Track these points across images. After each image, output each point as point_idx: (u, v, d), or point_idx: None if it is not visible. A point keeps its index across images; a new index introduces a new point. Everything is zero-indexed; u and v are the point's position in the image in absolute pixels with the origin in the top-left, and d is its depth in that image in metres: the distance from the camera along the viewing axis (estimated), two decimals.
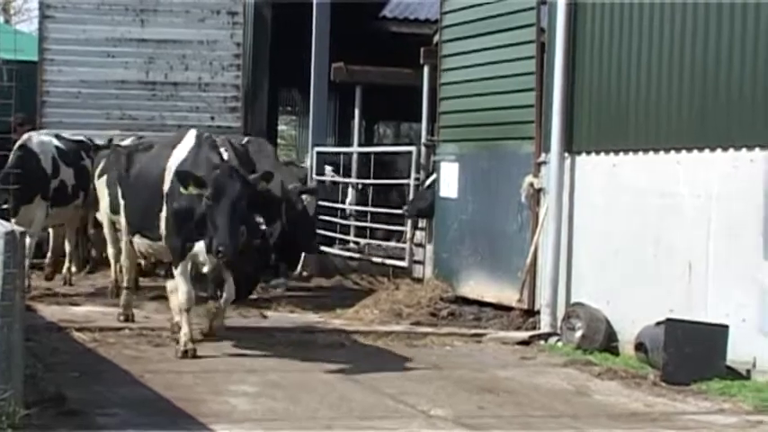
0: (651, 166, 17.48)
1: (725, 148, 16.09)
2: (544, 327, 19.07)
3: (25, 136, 22.00)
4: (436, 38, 23.86)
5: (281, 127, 34.67)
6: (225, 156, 14.90)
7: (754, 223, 15.60)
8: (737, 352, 15.54)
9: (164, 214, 14.72)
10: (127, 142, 21.94)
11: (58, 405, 12.48)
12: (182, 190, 13.86)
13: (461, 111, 22.39)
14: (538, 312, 19.48)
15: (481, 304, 20.72)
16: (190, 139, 14.82)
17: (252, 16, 30.94)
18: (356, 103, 31.05)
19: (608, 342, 17.68)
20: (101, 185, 20.74)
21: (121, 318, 16.62)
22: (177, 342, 15.04)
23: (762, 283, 15.45)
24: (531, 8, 20.20)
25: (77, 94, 28.47)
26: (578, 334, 17.96)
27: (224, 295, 15.13)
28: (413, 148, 26.16)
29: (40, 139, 22.46)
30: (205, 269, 14.72)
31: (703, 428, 13.29)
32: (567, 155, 19.21)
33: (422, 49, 26.00)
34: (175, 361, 15.88)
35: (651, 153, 17.47)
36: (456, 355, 17.14)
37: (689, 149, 16.69)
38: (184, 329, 14.68)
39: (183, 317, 14.69)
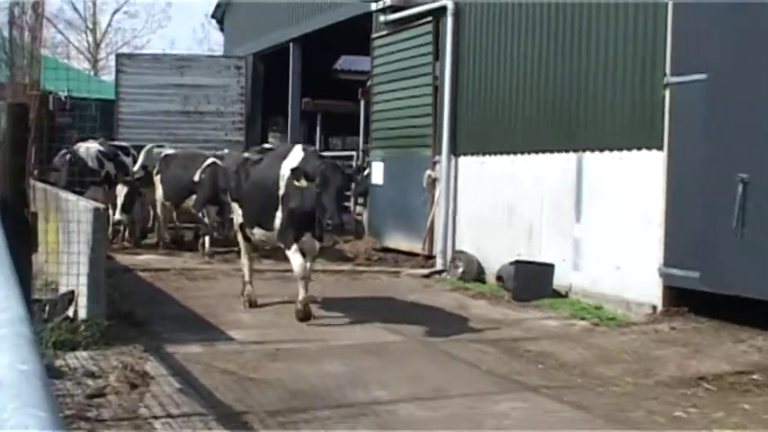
0: (506, 163, 17.53)
1: (552, 152, 16.19)
2: (438, 266, 19.05)
3: (75, 147, 21.95)
4: (369, 82, 23.84)
5: (269, 140, 34.74)
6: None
7: (570, 200, 15.69)
8: (560, 280, 15.64)
9: (279, 213, 13.15)
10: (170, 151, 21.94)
11: (129, 319, 12.59)
12: (294, 182, 12.47)
13: (385, 129, 22.28)
14: (434, 257, 19.44)
15: (398, 252, 20.72)
16: (297, 151, 13.34)
17: (251, 69, 30.97)
18: (318, 123, 31.14)
19: (479, 275, 17.72)
20: (157, 180, 20.78)
21: (247, 304, 14.36)
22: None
23: (574, 237, 15.56)
24: (429, 63, 20.21)
25: (140, 120, 28.55)
26: (460, 270, 17.99)
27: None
28: (354, 153, 26.23)
29: (85, 146, 22.33)
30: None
31: (538, 328, 13.46)
32: (452, 156, 19.20)
33: (360, 89, 26.03)
34: (204, 290, 15.89)
35: (505, 155, 17.54)
36: (383, 285, 17.19)
37: (529, 152, 16.79)
38: (301, 296, 13.05)
39: (300, 285, 13.10)
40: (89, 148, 22.22)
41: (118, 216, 20.87)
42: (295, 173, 12.42)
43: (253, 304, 14.38)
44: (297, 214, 12.84)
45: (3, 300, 2.82)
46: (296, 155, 13.19)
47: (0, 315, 2.59)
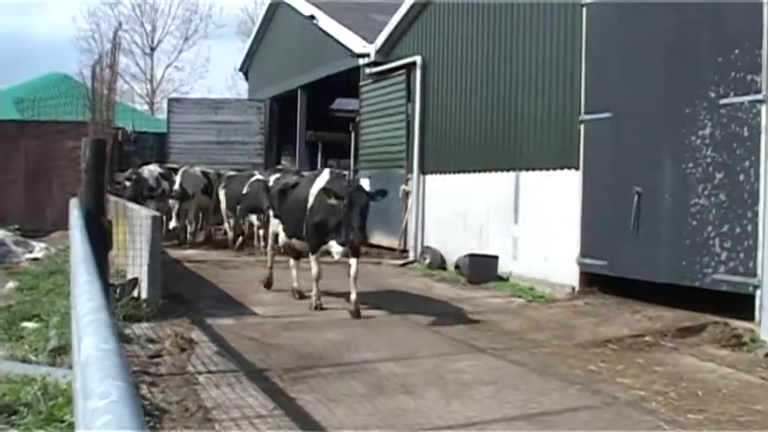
0: (461, 179, 17.55)
1: (496, 171, 16.23)
2: (411, 257, 18.98)
3: (141, 169, 22.03)
4: (358, 118, 23.81)
5: (282, 162, 34.82)
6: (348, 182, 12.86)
7: (510, 207, 15.71)
8: (503, 268, 15.62)
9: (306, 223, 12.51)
10: (230, 173, 22.04)
11: (178, 298, 12.67)
12: (327, 200, 11.69)
13: (370, 153, 22.27)
14: (408, 251, 19.35)
15: (381, 247, 20.58)
16: (326, 174, 12.69)
17: (268, 108, 30.88)
18: (319, 149, 31.15)
19: (441, 264, 17.65)
20: (222, 195, 20.92)
21: (265, 287, 14.30)
22: (303, 298, 13.10)
23: (513, 235, 15.56)
24: (403, 104, 20.19)
25: (185, 148, 28.44)
26: (427, 261, 17.93)
27: (352, 273, 12.10)
28: (347, 172, 26.21)
29: (148, 168, 22.35)
30: (336, 257, 12.30)
31: (486, 304, 13.47)
32: (421, 174, 19.19)
33: (351, 124, 26.00)
34: (234, 277, 15.84)
35: (461, 174, 17.57)
36: (369, 272, 16.90)
37: (479, 171, 16.80)
38: (314, 291, 12.43)
39: (314, 284, 12.41)
40: (151, 170, 22.25)
41: (173, 224, 21.02)
42: (327, 192, 11.75)
43: (269, 285, 14.21)
44: (320, 225, 12.13)
45: (89, 292, 2.86)
46: (324, 176, 12.58)
47: (87, 304, 2.63)
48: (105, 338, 2.16)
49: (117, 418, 1.64)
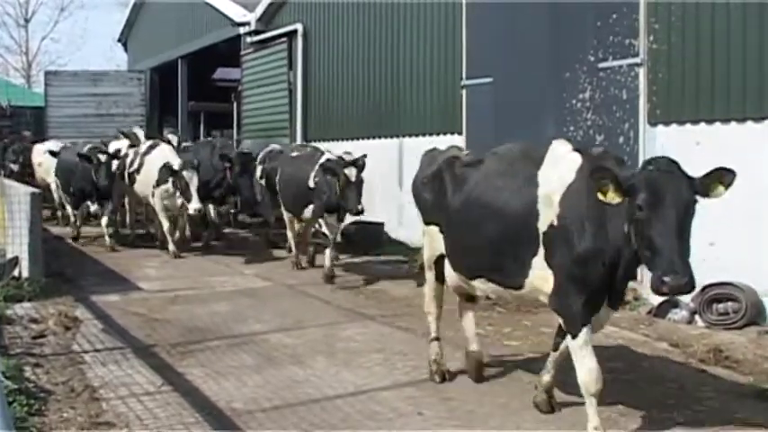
0: (345, 147, 17.11)
1: (380, 137, 16.28)
2: None
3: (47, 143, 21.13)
4: (240, 88, 23.60)
5: (164, 134, 34.21)
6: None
7: (395, 173, 15.80)
8: (390, 234, 15.75)
9: (538, 260, 5.81)
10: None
11: (61, 276, 12.40)
12: (599, 197, 5.18)
13: (253, 123, 22.13)
14: None
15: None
16: (561, 152, 5.94)
17: (149, 80, 30.36)
18: (202, 120, 30.79)
19: None
20: (262, 182, 15.53)
21: (437, 378, 7.29)
22: None
23: (399, 200, 15.59)
24: (285, 73, 20.09)
25: (65, 122, 27.67)
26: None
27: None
28: (230, 142, 25.94)
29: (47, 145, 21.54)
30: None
31: (374, 270, 13.50)
32: (305, 143, 19.10)
33: (233, 94, 25.78)
34: (118, 252, 15.48)
35: (346, 141, 17.45)
36: (258, 244, 16.95)
37: (363, 138, 16.78)
38: (593, 422, 5.67)
39: (588, 402, 5.70)
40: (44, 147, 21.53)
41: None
42: (601, 182, 5.20)
43: (443, 377, 7.36)
44: (588, 270, 5.58)
45: None
46: (566, 161, 5.85)
47: None
48: None
49: None
